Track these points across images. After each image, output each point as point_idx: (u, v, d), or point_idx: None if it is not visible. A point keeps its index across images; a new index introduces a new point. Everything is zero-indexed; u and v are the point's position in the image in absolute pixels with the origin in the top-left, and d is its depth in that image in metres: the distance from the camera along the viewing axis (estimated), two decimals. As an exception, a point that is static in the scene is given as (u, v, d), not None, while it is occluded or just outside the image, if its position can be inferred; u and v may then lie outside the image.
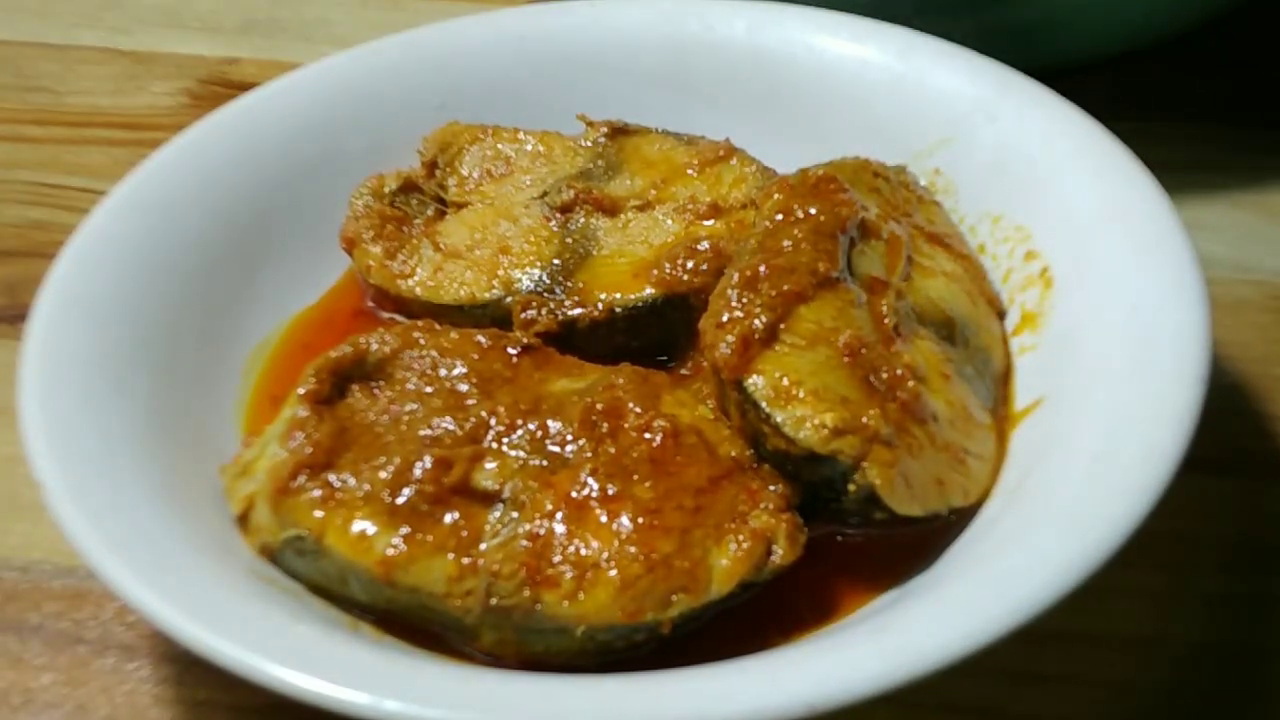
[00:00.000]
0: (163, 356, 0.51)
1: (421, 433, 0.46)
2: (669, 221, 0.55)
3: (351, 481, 0.45)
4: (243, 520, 0.46)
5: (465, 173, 0.59)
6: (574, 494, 0.44)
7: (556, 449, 0.45)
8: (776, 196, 0.50)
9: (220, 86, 0.77)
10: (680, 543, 0.43)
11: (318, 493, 0.45)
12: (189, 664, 0.48)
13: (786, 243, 0.48)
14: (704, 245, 0.52)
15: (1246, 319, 0.60)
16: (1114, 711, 0.46)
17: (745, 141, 0.57)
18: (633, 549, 0.42)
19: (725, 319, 0.46)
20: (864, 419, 0.44)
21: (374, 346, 0.49)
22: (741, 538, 0.43)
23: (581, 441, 0.45)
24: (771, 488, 0.45)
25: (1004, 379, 0.51)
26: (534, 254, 0.54)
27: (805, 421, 0.44)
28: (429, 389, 0.48)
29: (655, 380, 0.48)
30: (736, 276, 0.47)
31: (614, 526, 0.43)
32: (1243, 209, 0.65)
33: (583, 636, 0.42)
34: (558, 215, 0.55)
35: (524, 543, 0.43)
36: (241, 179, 0.57)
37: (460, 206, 0.58)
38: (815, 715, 0.36)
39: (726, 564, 0.43)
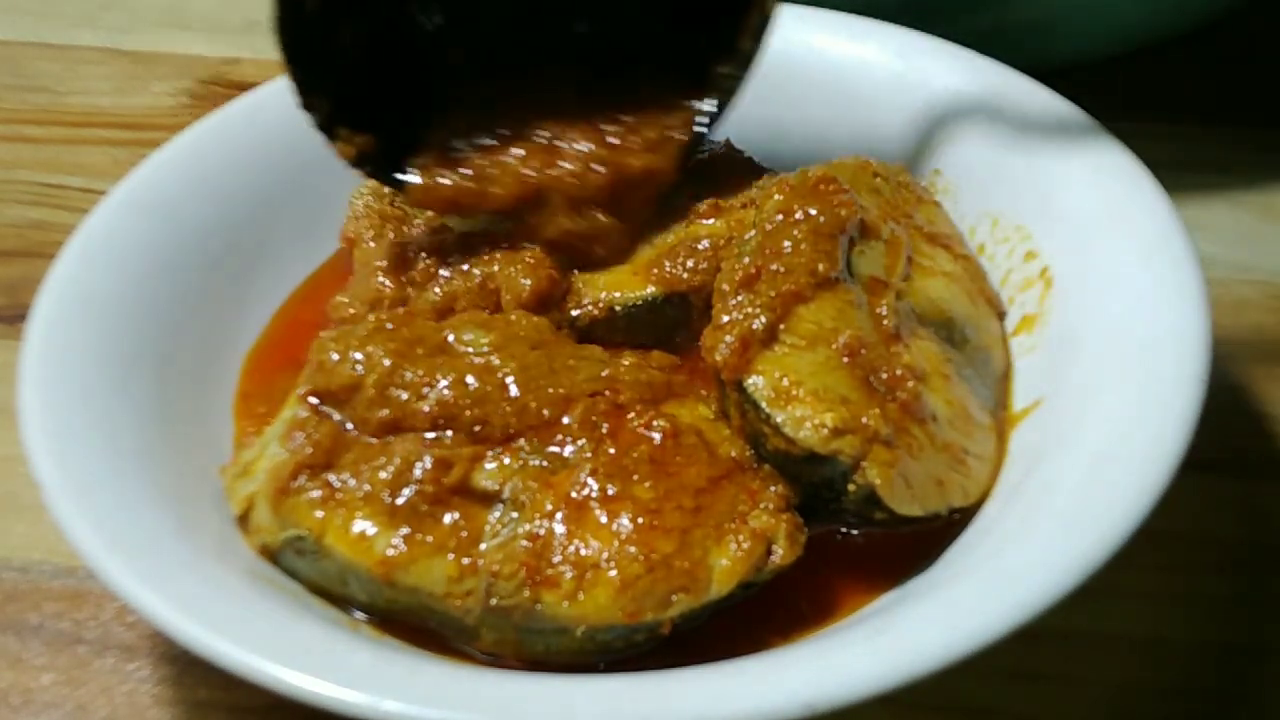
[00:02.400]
0: (163, 356, 0.51)
1: (421, 433, 0.46)
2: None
3: (352, 482, 0.45)
4: (243, 520, 0.46)
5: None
6: (574, 494, 0.44)
7: (556, 449, 0.45)
8: (776, 197, 0.50)
9: (220, 86, 0.78)
10: (680, 543, 0.43)
11: (318, 493, 0.45)
12: (189, 664, 0.48)
13: (786, 243, 0.48)
14: (704, 244, 0.52)
15: (1246, 319, 0.60)
16: (1114, 711, 0.46)
17: (745, 141, 0.57)
18: (633, 549, 0.42)
19: (725, 320, 0.46)
20: (864, 419, 0.44)
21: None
22: (741, 538, 0.43)
23: (581, 442, 0.45)
24: (771, 488, 0.45)
25: (1004, 379, 0.51)
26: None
27: (805, 422, 0.44)
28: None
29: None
30: (740, 276, 0.47)
31: (614, 527, 0.43)
32: (1243, 209, 0.66)
33: (583, 637, 0.42)
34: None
35: (524, 543, 0.43)
36: (241, 179, 0.57)
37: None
38: (815, 715, 0.36)
39: (726, 564, 0.43)
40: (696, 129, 0.53)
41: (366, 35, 0.53)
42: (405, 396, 0.46)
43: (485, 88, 0.54)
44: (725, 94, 0.54)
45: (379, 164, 0.53)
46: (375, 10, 0.53)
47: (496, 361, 0.46)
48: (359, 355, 0.47)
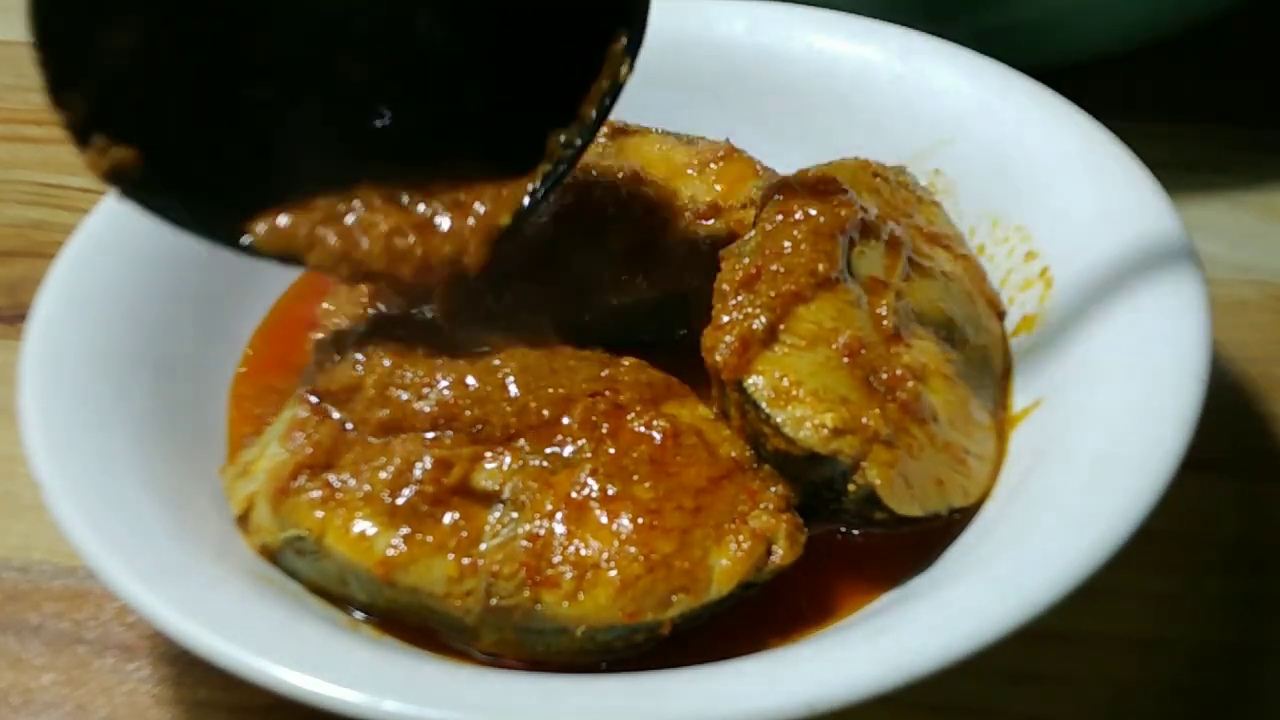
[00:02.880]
0: (162, 356, 0.51)
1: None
2: (669, 221, 0.55)
3: (352, 482, 0.45)
4: (243, 520, 0.46)
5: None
6: (574, 494, 0.44)
7: (556, 449, 0.45)
8: (776, 197, 0.50)
9: (220, 86, 0.77)
10: (680, 543, 0.43)
11: (318, 493, 0.45)
12: (189, 664, 0.48)
13: (786, 244, 0.48)
14: (704, 245, 0.52)
15: (1246, 319, 0.60)
16: (1114, 711, 0.46)
17: (745, 141, 0.57)
18: (633, 549, 0.42)
19: (725, 320, 0.46)
20: (864, 419, 0.44)
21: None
22: (741, 538, 0.43)
23: (581, 442, 0.45)
24: (772, 488, 0.45)
25: (1004, 379, 0.51)
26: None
27: (805, 422, 0.44)
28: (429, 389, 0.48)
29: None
30: (740, 276, 0.47)
31: (614, 527, 0.43)
32: (1243, 209, 0.66)
33: (583, 637, 0.42)
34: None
35: (524, 543, 0.43)
36: (241, 179, 0.57)
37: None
38: (815, 715, 0.36)
39: (726, 564, 0.43)
40: (520, 208, 0.47)
41: (146, 40, 0.46)
42: (405, 396, 0.46)
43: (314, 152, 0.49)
44: (560, 164, 0.47)
45: (140, 187, 0.46)
46: (151, 13, 0.46)
47: (496, 362, 0.46)
48: (359, 355, 0.47)
